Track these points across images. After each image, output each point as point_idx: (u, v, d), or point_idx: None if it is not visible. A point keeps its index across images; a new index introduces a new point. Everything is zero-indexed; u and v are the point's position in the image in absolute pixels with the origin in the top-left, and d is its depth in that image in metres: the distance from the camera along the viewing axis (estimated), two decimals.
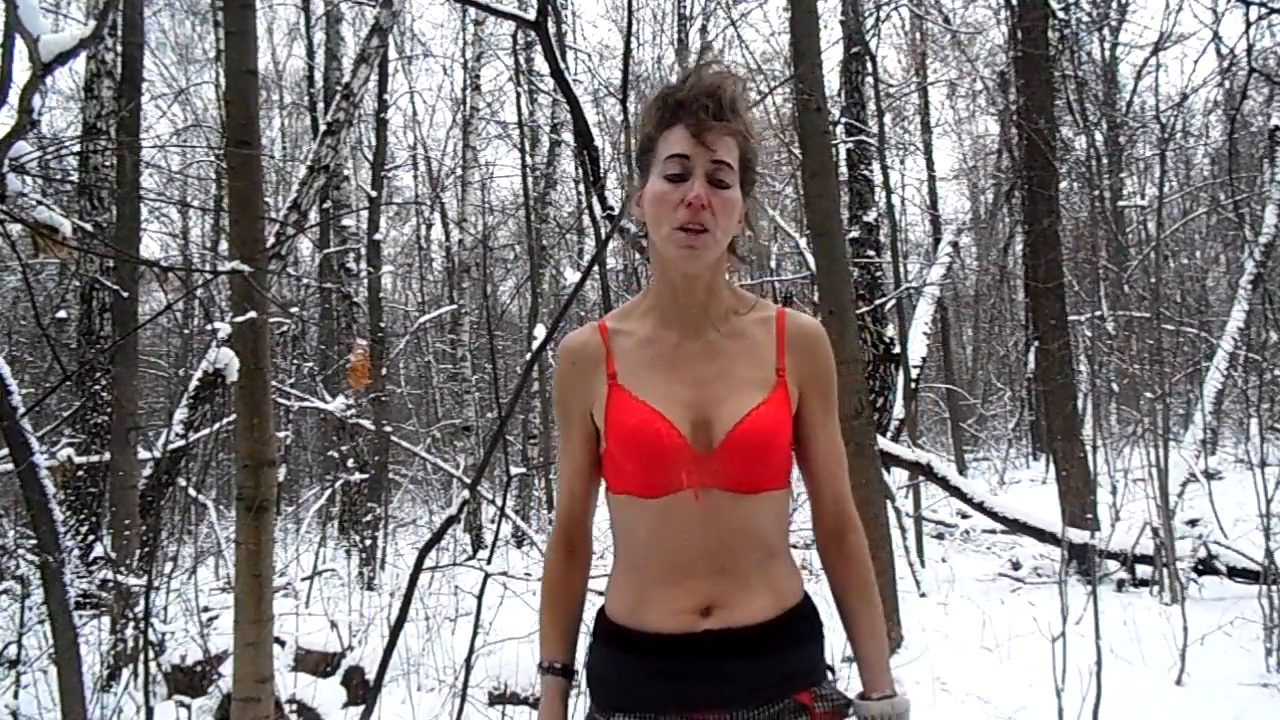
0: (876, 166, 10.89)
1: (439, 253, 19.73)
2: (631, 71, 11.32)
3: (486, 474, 7.47)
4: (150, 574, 4.28)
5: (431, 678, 5.29)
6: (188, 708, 4.60)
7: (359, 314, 11.59)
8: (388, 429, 10.53)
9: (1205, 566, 6.44)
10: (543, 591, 1.53)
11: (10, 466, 3.65)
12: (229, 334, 5.28)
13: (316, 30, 13.56)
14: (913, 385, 9.71)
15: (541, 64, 13.36)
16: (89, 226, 6.10)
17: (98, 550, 6.28)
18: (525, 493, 13.19)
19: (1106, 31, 13.29)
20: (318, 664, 5.42)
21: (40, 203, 3.16)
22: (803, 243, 10.43)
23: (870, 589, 1.48)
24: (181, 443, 6.14)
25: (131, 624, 4.96)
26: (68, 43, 3.05)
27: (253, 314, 3.10)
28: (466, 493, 4.27)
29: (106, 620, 5.37)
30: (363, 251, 11.59)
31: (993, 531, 8.81)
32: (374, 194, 11.88)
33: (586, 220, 14.75)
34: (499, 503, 5.63)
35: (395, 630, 3.68)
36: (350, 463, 10.26)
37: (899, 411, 9.44)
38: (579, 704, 1.58)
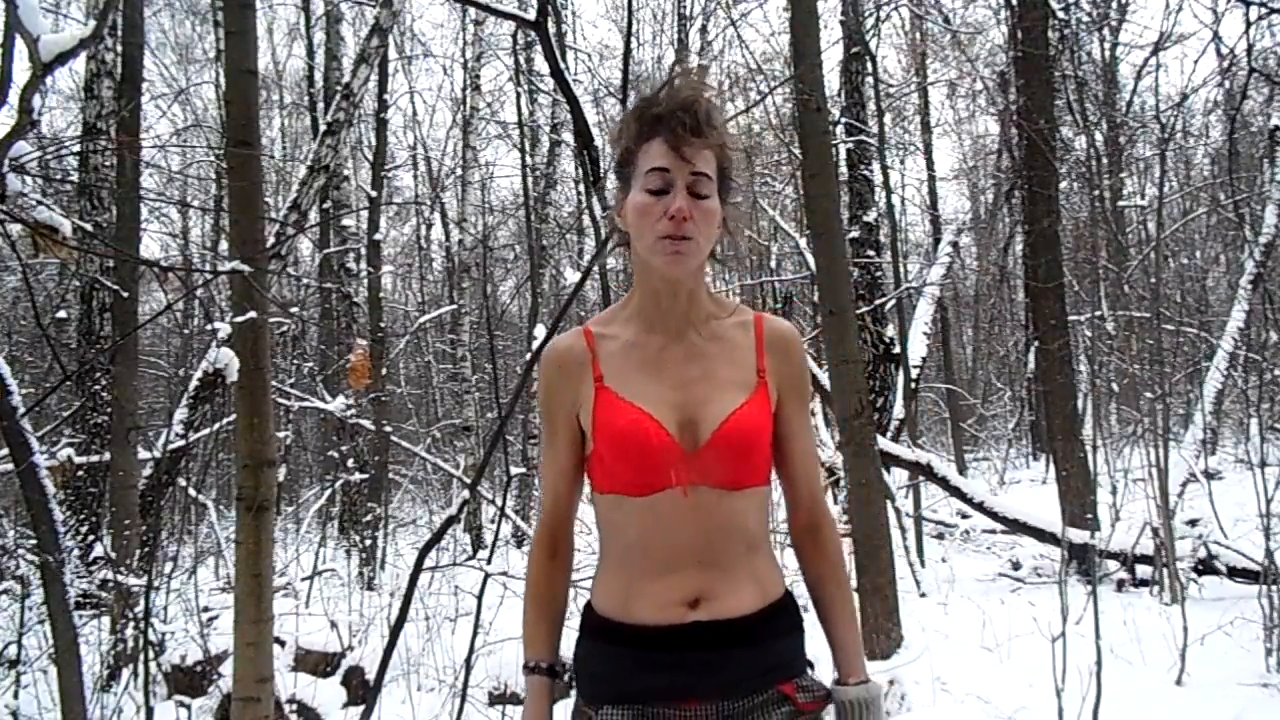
0: (876, 166, 10.89)
1: (439, 253, 19.74)
2: (631, 71, 11.32)
3: (486, 474, 7.47)
4: (150, 574, 4.28)
5: (431, 678, 5.29)
6: (188, 708, 4.60)
7: (359, 314, 11.59)
8: (388, 429, 10.53)
9: (1205, 566, 6.44)
10: (526, 592, 1.56)
11: (10, 466, 3.66)
12: (229, 334, 5.29)
13: (316, 30, 13.57)
14: (913, 385, 9.70)
15: (541, 64, 13.37)
16: (89, 226, 6.10)
17: (98, 550, 6.28)
18: (525, 493, 13.18)
19: (1106, 31, 13.28)
20: (318, 664, 5.42)
21: (40, 203, 3.16)
22: (803, 243, 10.43)
23: (845, 579, 1.56)
24: (181, 443, 6.14)
25: (131, 624, 4.96)
26: (68, 43, 3.05)
27: (253, 314, 3.10)
28: (466, 493, 4.27)
29: (106, 620, 5.38)
30: (363, 251, 11.60)
31: (993, 531, 8.81)
32: (374, 194, 11.89)
33: (586, 220, 14.74)
34: (499, 503, 5.63)
35: (395, 630, 3.68)
36: (350, 463, 10.26)
37: (899, 411, 9.44)
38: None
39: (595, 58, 15.85)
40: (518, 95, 14.33)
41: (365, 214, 11.80)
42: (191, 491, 7.43)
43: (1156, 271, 9.53)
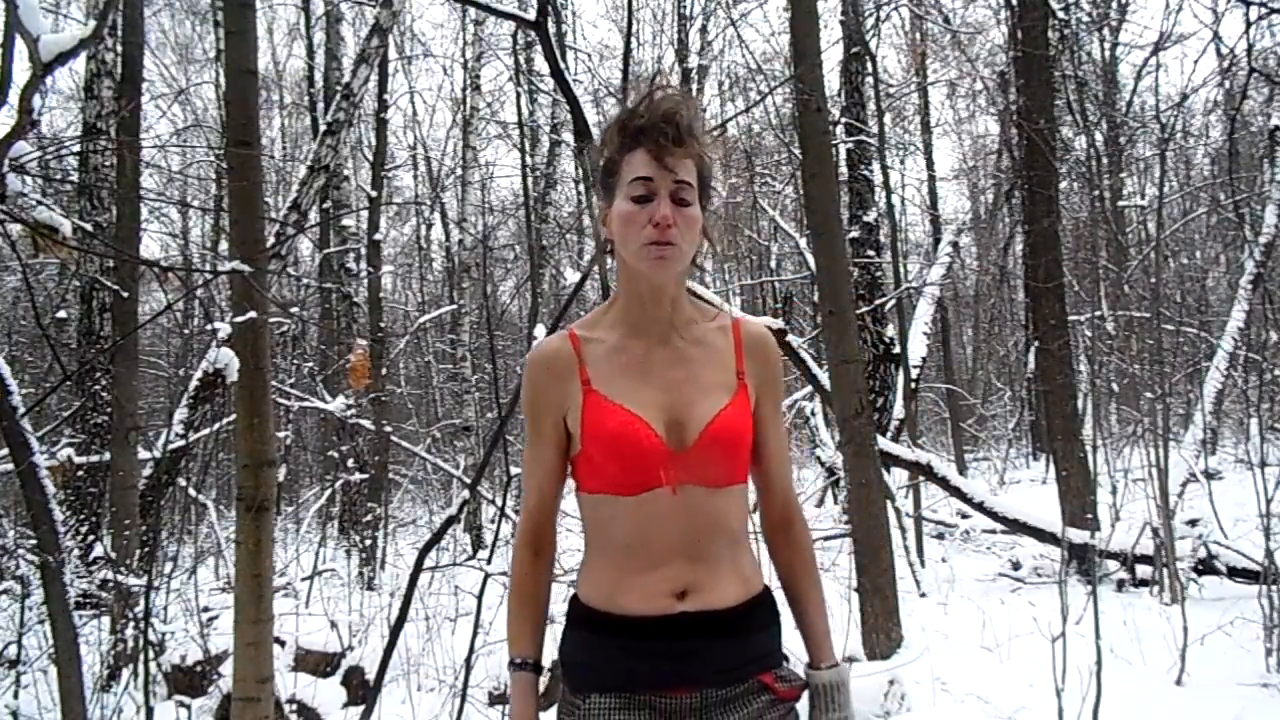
0: (876, 166, 10.89)
1: (439, 253, 19.75)
2: (631, 71, 11.32)
3: (486, 474, 7.47)
4: (150, 574, 4.28)
5: (431, 678, 5.29)
6: (188, 708, 4.60)
7: (359, 314, 11.59)
8: (388, 429, 10.53)
9: (1205, 566, 6.44)
10: (511, 590, 1.59)
11: (10, 466, 3.66)
12: (229, 334, 5.29)
13: (316, 30, 13.58)
14: (913, 385, 9.70)
15: (541, 64, 13.37)
16: (89, 226, 6.10)
17: (98, 550, 6.28)
18: None
19: (1106, 31, 13.30)
20: (318, 664, 5.42)
21: (40, 203, 3.16)
22: (803, 243, 10.44)
23: (816, 571, 1.64)
24: (181, 443, 6.14)
25: (131, 624, 4.96)
26: (68, 43, 3.06)
27: (253, 314, 3.10)
28: (466, 493, 4.28)
29: (106, 620, 5.38)
30: (363, 251, 11.59)
31: (993, 531, 8.80)
32: (374, 194, 11.88)
33: (586, 220, 14.75)
34: (499, 503, 5.63)
35: (395, 630, 3.69)
36: (350, 463, 10.26)
37: (899, 411, 9.44)
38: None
39: (595, 58, 15.89)
40: (518, 95, 14.34)
41: (365, 214, 11.80)
42: (191, 491, 7.43)
43: (1156, 271, 9.52)
